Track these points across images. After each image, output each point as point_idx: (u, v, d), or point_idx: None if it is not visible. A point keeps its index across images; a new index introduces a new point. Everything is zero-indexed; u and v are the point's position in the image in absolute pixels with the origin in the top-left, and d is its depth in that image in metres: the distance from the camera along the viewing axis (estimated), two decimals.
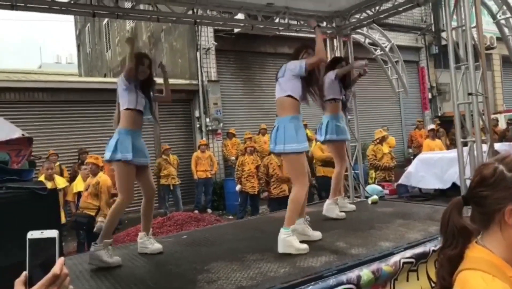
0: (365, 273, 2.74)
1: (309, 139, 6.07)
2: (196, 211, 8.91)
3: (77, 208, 6.51)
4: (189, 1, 4.93)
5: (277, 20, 5.61)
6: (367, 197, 5.53)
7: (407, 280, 3.02)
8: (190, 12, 5.26)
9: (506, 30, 5.50)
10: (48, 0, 4.25)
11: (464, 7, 4.25)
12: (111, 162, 3.42)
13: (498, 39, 13.54)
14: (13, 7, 4.01)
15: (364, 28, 6.16)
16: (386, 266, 2.87)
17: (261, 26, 5.72)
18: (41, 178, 6.47)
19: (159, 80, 3.86)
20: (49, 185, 5.72)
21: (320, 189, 7.87)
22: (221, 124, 10.80)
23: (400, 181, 5.89)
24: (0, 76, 10.25)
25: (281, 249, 3.20)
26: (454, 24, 4.44)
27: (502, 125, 11.88)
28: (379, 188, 6.05)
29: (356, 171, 5.87)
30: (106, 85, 9.43)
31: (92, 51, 20.29)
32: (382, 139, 7.93)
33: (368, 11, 5.64)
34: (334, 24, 5.98)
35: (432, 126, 10.01)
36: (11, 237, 1.95)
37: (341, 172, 4.68)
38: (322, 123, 4.66)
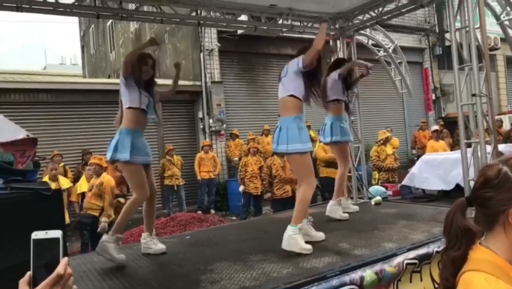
0: (368, 274, 2.73)
1: (313, 140, 6.05)
2: (200, 212, 8.93)
3: (81, 208, 6.54)
4: (193, 3, 4.94)
5: (280, 22, 5.62)
6: (370, 198, 5.52)
7: (411, 281, 3.01)
8: (193, 14, 5.27)
9: (509, 31, 5.47)
10: (52, 2, 4.27)
11: (468, 8, 4.24)
12: (113, 162, 3.45)
13: (502, 40, 13.50)
14: (18, 9, 4.04)
15: (367, 30, 6.15)
16: (389, 267, 2.87)
17: (264, 28, 5.72)
18: (45, 178, 6.50)
19: (163, 81, 3.87)
20: (53, 185, 5.75)
21: (323, 189, 7.85)
22: (225, 125, 10.81)
23: (403, 182, 5.88)
24: (5, 78, 10.31)
25: (285, 245, 3.20)
26: (458, 25, 4.42)
27: (506, 126, 11.83)
28: (383, 189, 6.04)
29: (360, 172, 5.86)
30: (110, 86, 9.46)
31: (96, 53, 20.38)
32: (386, 141, 7.91)
33: (371, 12, 5.63)
34: (337, 26, 5.98)
35: (435, 127, 9.97)
36: (16, 237, 1.96)
37: (344, 172, 4.67)
38: (326, 125, 4.65)
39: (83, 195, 6.59)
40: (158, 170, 9.21)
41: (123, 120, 3.44)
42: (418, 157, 7.98)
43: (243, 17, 5.75)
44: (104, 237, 3.34)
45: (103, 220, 5.74)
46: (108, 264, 3.35)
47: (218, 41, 10.84)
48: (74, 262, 3.49)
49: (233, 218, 9.04)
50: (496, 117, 9.25)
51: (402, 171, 7.94)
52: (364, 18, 5.78)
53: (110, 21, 15.88)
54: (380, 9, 5.49)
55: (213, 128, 10.68)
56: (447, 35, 13.23)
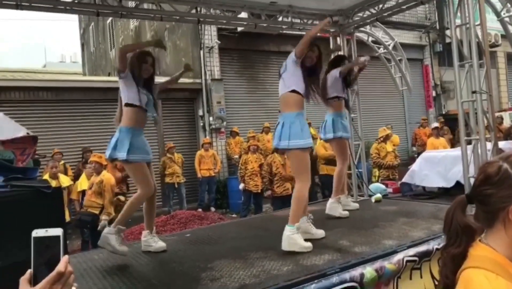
0: (369, 271, 2.74)
1: (313, 138, 6.05)
2: (200, 210, 8.93)
3: (81, 206, 6.55)
4: (193, 0, 4.93)
5: (280, 19, 5.60)
6: (370, 196, 5.52)
7: (410, 279, 3.02)
8: (193, 11, 5.26)
9: (510, 27, 5.46)
10: (52, 0, 4.26)
11: (468, 5, 4.23)
12: (112, 160, 3.47)
13: (502, 36, 13.48)
14: (17, 7, 4.03)
15: (368, 26, 6.14)
16: (389, 264, 2.87)
17: (265, 25, 5.71)
18: (46, 176, 6.51)
19: (160, 79, 3.88)
20: (53, 183, 5.75)
21: (323, 187, 7.87)
22: (225, 122, 10.81)
23: (403, 179, 5.88)
24: (5, 76, 10.31)
25: (285, 246, 3.20)
26: (458, 21, 4.42)
27: (507, 123, 11.82)
28: (383, 186, 6.04)
29: (360, 170, 5.86)
30: (110, 84, 9.45)
31: (96, 50, 20.36)
32: (386, 138, 7.91)
33: (372, 9, 5.62)
34: (337, 23, 5.96)
35: (436, 124, 9.96)
36: (16, 235, 1.97)
37: (342, 169, 4.65)
38: (327, 121, 4.64)
39: (83, 193, 6.60)
40: (158, 168, 9.22)
41: (122, 119, 3.43)
42: (419, 154, 7.97)
43: (243, 15, 5.74)
44: (106, 229, 3.39)
45: (104, 218, 5.75)
46: (108, 262, 3.36)
47: (218, 39, 10.83)
48: (75, 260, 3.49)
49: (233, 215, 9.05)
50: (497, 114, 9.24)
51: (403, 168, 7.95)
52: (364, 15, 5.77)
53: (110, 18, 15.85)
54: (380, 6, 5.48)
55: (213, 126, 10.68)
56: (448, 32, 13.20)
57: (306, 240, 3.32)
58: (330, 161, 6.93)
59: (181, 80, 10.79)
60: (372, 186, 6.00)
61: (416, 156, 9.22)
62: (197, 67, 10.89)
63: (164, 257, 3.46)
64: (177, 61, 11.95)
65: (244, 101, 11.63)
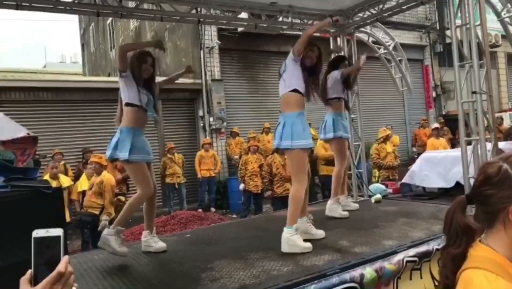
0: (368, 271, 2.74)
1: (313, 138, 6.06)
2: (200, 210, 8.93)
3: (81, 206, 6.55)
4: (193, 0, 4.93)
5: (280, 19, 5.61)
6: (370, 196, 5.52)
7: (410, 279, 3.02)
8: (193, 11, 5.26)
9: (510, 28, 5.47)
10: (52, 0, 4.27)
11: (468, 5, 4.23)
12: (113, 161, 3.46)
13: (503, 37, 13.47)
14: (17, 7, 4.03)
15: (368, 27, 6.14)
16: (389, 264, 2.87)
17: (265, 25, 5.71)
18: (46, 176, 6.51)
19: (160, 79, 3.87)
20: (54, 183, 5.76)
21: (323, 188, 7.87)
22: (225, 123, 10.81)
23: (403, 180, 5.88)
24: (5, 76, 10.31)
25: (285, 248, 3.20)
26: (458, 22, 4.42)
27: (507, 124, 11.81)
28: (383, 187, 6.04)
29: (360, 170, 5.87)
30: (110, 85, 9.45)
31: (96, 51, 20.36)
32: (386, 138, 7.91)
33: (372, 10, 5.62)
34: (337, 22, 5.96)
35: (436, 125, 9.96)
36: (16, 235, 1.97)
37: (340, 170, 4.64)
38: (327, 121, 4.63)
39: (83, 193, 6.60)
40: (159, 168, 9.22)
41: (123, 119, 3.43)
42: (419, 154, 7.97)
43: (243, 15, 5.74)
44: (105, 230, 3.37)
45: (104, 218, 5.75)
46: (108, 263, 3.36)
47: (218, 39, 10.83)
48: (75, 260, 3.49)
49: (234, 216, 9.04)
50: (497, 114, 9.23)
51: (403, 168, 7.95)
52: (365, 16, 5.77)
53: (110, 19, 15.86)
54: (381, 6, 5.48)
55: (214, 127, 10.68)
56: (448, 32, 13.21)
57: (306, 240, 3.32)
58: (330, 162, 6.93)
59: (181, 80, 10.83)
60: (372, 187, 6.00)
61: (416, 156, 9.22)
62: (197, 68, 10.88)
63: (164, 258, 3.46)
64: (177, 61, 11.95)
65: (244, 102, 11.63)
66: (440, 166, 5.31)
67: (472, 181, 3.71)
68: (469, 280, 1.07)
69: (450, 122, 11.58)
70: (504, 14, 5.29)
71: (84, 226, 6.14)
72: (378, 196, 5.38)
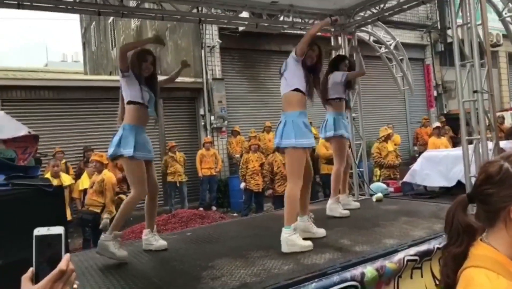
0: (369, 270, 2.74)
1: (315, 137, 6.06)
2: (201, 208, 8.94)
3: (82, 205, 6.56)
4: (194, 0, 4.93)
5: (281, 18, 5.60)
6: (371, 195, 5.52)
7: (411, 278, 3.02)
8: (194, 11, 5.27)
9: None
10: None
11: (470, 5, 4.22)
12: (115, 158, 3.44)
13: (504, 36, 13.44)
14: (19, 6, 4.04)
15: (369, 26, 6.13)
16: (390, 263, 2.87)
17: (266, 24, 5.71)
18: (47, 175, 6.52)
19: (161, 78, 3.87)
20: (55, 182, 5.75)
21: (324, 186, 7.88)
22: (226, 122, 10.82)
23: (405, 179, 5.88)
24: (6, 75, 10.33)
25: (285, 248, 3.19)
26: (460, 21, 4.41)
27: (508, 123, 11.80)
28: (384, 185, 6.04)
29: (361, 169, 5.86)
30: (111, 83, 9.46)
31: (97, 50, 20.37)
32: (387, 137, 7.90)
33: (373, 9, 5.61)
34: (337, 21, 5.95)
35: (437, 124, 9.96)
36: (18, 233, 1.97)
37: (339, 169, 4.63)
38: (327, 120, 4.64)
39: (85, 191, 6.61)
40: (160, 166, 9.23)
41: (125, 116, 3.42)
42: (420, 153, 7.97)
43: (244, 14, 5.74)
44: (102, 236, 3.32)
45: (105, 216, 5.76)
46: (110, 261, 3.36)
47: (219, 38, 10.83)
48: (76, 259, 3.50)
49: (235, 214, 9.05)
50: (498, 114, 9.22)
51: (404, 167, 7.94)
52: (366, 15, 5.77)
53: (112, 18, 15.86)
54: (382, 5, 5.48)
55: (215, 125, 10.68)
56: (449, 32, 13.18)
57: (306, 239, 3.32)
58: (331, 160, 6.90)
59: (183, 79, 10.85)
60: (373, 185, 6.01)
61: (417, 155, 9.21)
62: (198, 67, 10.90)
63: (165, 256, 3.46)
64: (178, 60, 11.85)
65: (245, 101, 11.63)
66: (441, 165, 5.31)
67: (473, 180, 3.71)
68: (470, 278, 1.07)
69: (452, 121, 11.57)
70: (506, 13, 5.28)
71: (85, 224, 6.15)
72: (379, 194, 5.38)
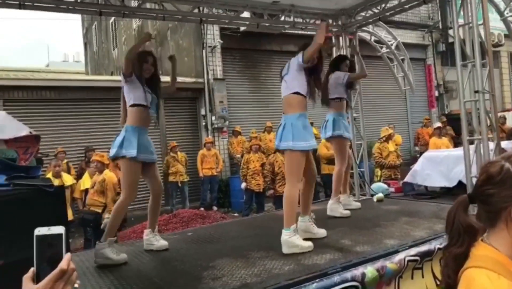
0: (370, 270, 2.74)
1: (316, 138, 6.06)
2: (202, 209, 8.95)
3: (84, 205, 6.57)
4: (195, 0, 4.94)
5: (282, 18, 5.60)
6: (372, 195, 5.52)
7: (412, 278, 3.02)
8: (196, 11, 5.27)
9: None
10: None
11: (471, 4, 4.22)
12: (117, 159, 3.43)
13: (506, 36, 13.43)
14: (20, 6, 4.04)
15: (370, 26, 6.13)
16: (391, 263, 2.87)
17: (267, 24, 5.71)
18: (49, 175, 6.54)
19: (163, 78, 3.87)
20: (56, 182, 5.77)
21: (325, 186, 7.87)
22: (227, 122, 10.82)
23: (406, 179, 5.87)
24: (8, 75, 10.35)
25: (285, 250, 3.19)
26: (461, 21, 4.41)
27: (510, 123, 11.78)
28: (385, 186, 6.04)
29: (362, 169, 5.86)
30: (113, 84, 9.48)
31: (99, 50, 20.40)
32: (388, 138, 7.90)
33: (374, 9, 5.61)
34: (339, 22, 5.96)
35: (438, 124, 9.94)
36: (19, 233, 1.98)
37: (341, 170, 4.63)
38: (328, 120, 4.64)
39: (86, 191, 6.62)
40: (162, 167, 9.24)
41: (128, 118, 3.43)
42: (421, 153, 7.97)
43: (246, 14, 5.74)
44: (97, 245, 3.30)
45: (106, 216, 5.76)
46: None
47: (221, 38, 10.84)
48: (77, 258, 3.51)
49: (235, 214, 9.06)
50: (500, 114, 9.21)
51: (405, 168, 7.93)
52: (367, 15, 5.76)
53: (113, 18, 15.88)
54: (383, 5, 5.47)
55: (216, 125, 10.69)
56: (451, 32, 13.16)
57: (308, 239, 3.32)
58: (332, 161, 6.92)
59: (184, 79, 10.84)
60: (374, 186, 6.00)
61: (418, 155, 9.21)
62: (200, 67, 10.91)
63: (166, 256, 3.46)
64: (179, 60, 11.88)
65: (246, 101, 11.63)
66: (442, 165, 5.30)
67: (474, 180, 3.71)
68: (471, 279, 1.07)
69: (453, 121, 11.55)
70: (507, 13, 5.27)
71: (87, 224, 6.15)
72: (380, 195, 5.38)
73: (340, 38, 6.01)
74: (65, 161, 8.05)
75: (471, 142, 4.30)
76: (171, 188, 9.32)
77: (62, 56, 39.69)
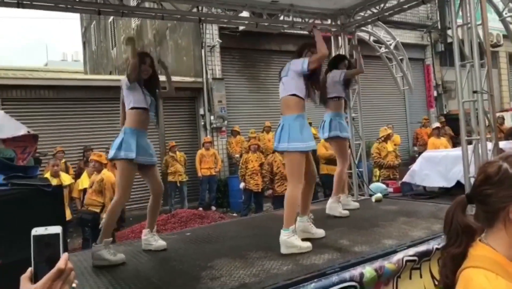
0: (368, 270, 2.74)
1: (315, 138, 6.06)
2: (200, 208, 8.94)
3: (82, 204, 6.55)
4: None
5: (281, 18, 5.60)
6: (371, 195, 5.52)
7: (410, 278, 3.02)
8: (194, 10, 5.27)
9: None
10: None
11: (470, 5, 4.22)
12: (115, 160, 3.43)
13: (504, 36, 13.44)
14: (18, 5, 4.04)
15: (369, 26, 6.13)
16: (389, 264, 2.87)
17: (266, 24, 5.71)
18: (47, 174, 6.52)
19: (162, 78, 3.87)
20: (54, 181, 5.76)
21: (324, 186, 7.87)
22: (226, 122, 10.82)
23: (404, 179, 5.88)
24: (6, 74, 10.33)
25: (283, 250, 3.19)
26: (460, 21, 4.41)
27: (508, 123, 11.80)
28: (383, 186, 6.04)
29: (360, 169, 5.86)
30: (111, 83, 9.47)
31: (97, 49, 20.37)
32: (387, 138, 7.90)
33: (373, 9, 5.61)
34: (338, 22, 5.96)
35: (437, 124, 9.95)
36: (16, 233, 1.97)
37: (343, 170, 4.65)
38: (325, 121, 4.65)
39: (84, 191, 6.61)
40: (161, 166, 9.23)
41: (126, 120, 3.43)
42: (420, 154, 7.97)
43: (245, 14, 5.74)
44: (94, 247, 3.31)
45: (104, 216, 5.75)
46: None
47: (220, 38, 10.83)
48: (76, 258, 3.50)
49: (234, 214, 9.05)
50: (498, 114, 9.23)
51: (403, 168, 7.94)
52: (366, 15, 5.77)
53: (112, 17, 15.85)
54: (382, 5, 5.48)
55: (214, 125, 10.68)
56: (449, 32, 13.19)
57: (306, 239, 3.32)
58: (331, 161, 6.94)
59: (182, 79, 10.82)
60: (373, 186, 6.00)
61: (417, 155, 9.21)
62: (199, 66, 10.90)
63: (164, 256, 3.46)
64: (178, 60, 11.95)
65: (245, 101, 11.63)
66: (441, 165, 5.31)
67: (472, 181, 3.71)
68: (469, 279, 1.07)
69: (451, 121, 11.57)
70: (506, 13, 5.28)
71: (85, 224, 6.14)
72: (379, 195, 5.38)
73: (339, 38, 6.01)
74: (63, 160, 8.03)
75: (470, 142, 4.30)
76: (170, 188, 9.31)
77: (61, 55, 39.71)
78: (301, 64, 3.39)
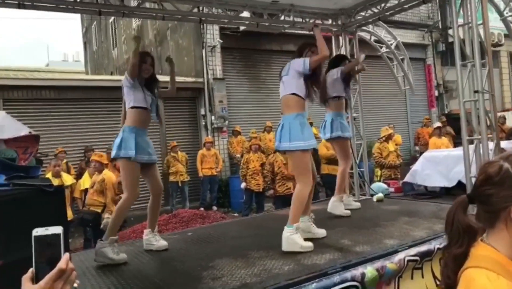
0: (370, 270, 2.74)
1: (316, 137, 6.05)
2: (202, 208, 8.94)
3: (83, 205, 6.56)
4: None
5: (282, 18, 5.61)
6: (372, 195, 5.52)
7: (412, 278, 3.02)
8: (195, 10, 5.27)
9: None
10: None
11: (471, 4, 4.22)
12: (116, 159, 3.44)
13: (505, 36, 13.43)
14: (20, 6, 4.04)
15: (370, 26, 6.13)
16: (390, 263, 2.87)
17: (267, 24, 5.71)
18: (48, 175, 6.53)
19: (163, 78, 3.87)
20: (56, 182, 5.77)
21: (325, 186, 7.87)
22: (227, 122, 10.82)
23: (405, 179, 5.87)
24: (7, 74, 10.36)
25: (285, 247, 3.20)
26: (461, 21, 4.40)
27: (510, 123, 11.78)
28: (385, 185, 6.04)
29: (362, 169, 5.86)
30: (112, 83, 9.48)
31: (98, 49, 20.39)
32: (388, 137, 7.89)
33: (374, 9, 5.61)
34: (339, 22, 5.96)
35: (438, 124, 9.94)
36: (18, 233, 1.98)
37: (345, 169, 4.66)
38: (326, 121, 4.65)
39: (86, 191, 6.62)
40: (162, 167, 9.24)
41: (126, 119, 3.44)
42: (421, 153, 7.96)
43: (245, 14, 5.74)
44: (99, 244, 3.31)
45: (106, 216, 5.76)
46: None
47: (220, 38, 10.83)
48: (77, 258, 3.50)
49: (235, 214, 9.05)
50: (500, 114, 9.21)
51: (405, 167, 7.93)
52: (367, 14, 5.76)
53: (113, 18, 15.87)
54: (383, 5, 5.47)
55: (215, 125, 10.68)
56: (450, 31, 13.17)
57: (307, 239, 3.32)
58: (332, 160, 6.93)
59: (183, 79, 10.84)
60: (374, 185, 6.00)
61: (418, 155, 9.20)
62: (199, 67, 10.90)
63: (166, 256, 3.46)
64: (179, 60, 11.94)
65: (246, 101, 11.63)
66: (442, 165, 5.30)
67: (473, 180, 3.71)
68: (471, 279, 1.07)
69: (453, 121, 11.55)
70: (507, 13, 5.27)
71: (86, 224, 6.16)
72: (380, 195, 5.38)
73: (340, 38, 6.01)
74: (65, 160, 8.05)
75: (471, 142, 4.30)
76: (171, 188, 9.32)
77: (62, 55, 39.75)
78: (302, 64, 3.40)
